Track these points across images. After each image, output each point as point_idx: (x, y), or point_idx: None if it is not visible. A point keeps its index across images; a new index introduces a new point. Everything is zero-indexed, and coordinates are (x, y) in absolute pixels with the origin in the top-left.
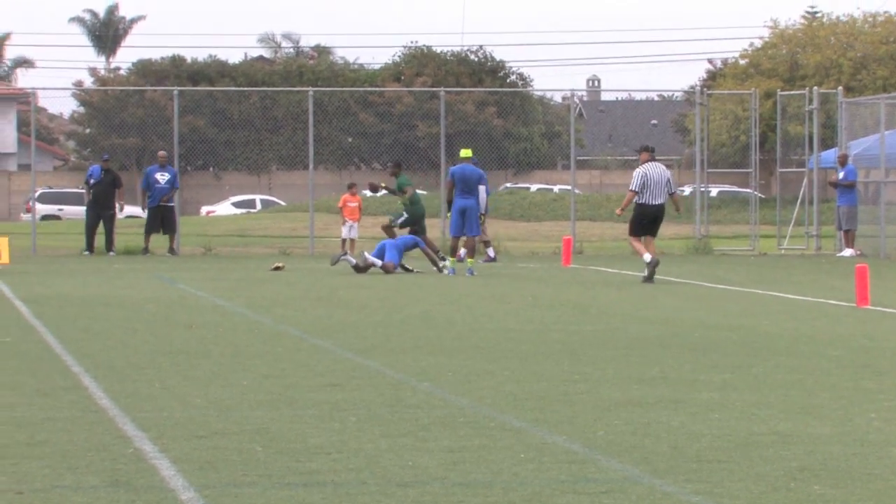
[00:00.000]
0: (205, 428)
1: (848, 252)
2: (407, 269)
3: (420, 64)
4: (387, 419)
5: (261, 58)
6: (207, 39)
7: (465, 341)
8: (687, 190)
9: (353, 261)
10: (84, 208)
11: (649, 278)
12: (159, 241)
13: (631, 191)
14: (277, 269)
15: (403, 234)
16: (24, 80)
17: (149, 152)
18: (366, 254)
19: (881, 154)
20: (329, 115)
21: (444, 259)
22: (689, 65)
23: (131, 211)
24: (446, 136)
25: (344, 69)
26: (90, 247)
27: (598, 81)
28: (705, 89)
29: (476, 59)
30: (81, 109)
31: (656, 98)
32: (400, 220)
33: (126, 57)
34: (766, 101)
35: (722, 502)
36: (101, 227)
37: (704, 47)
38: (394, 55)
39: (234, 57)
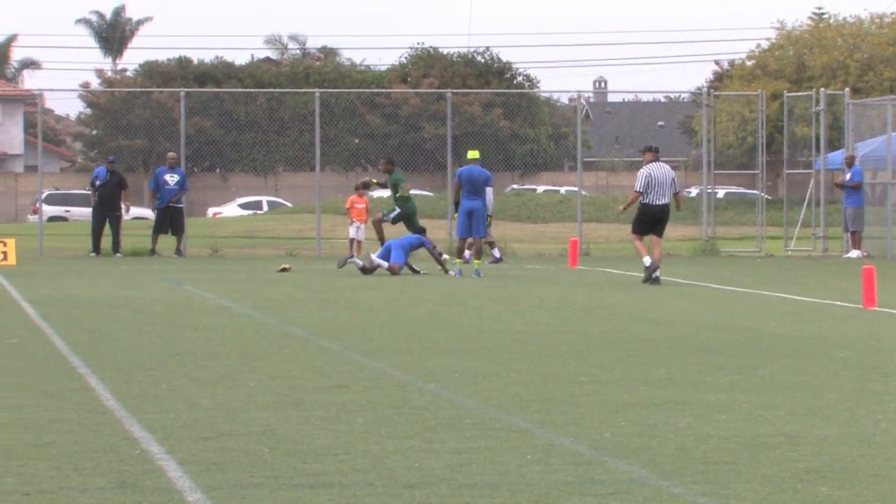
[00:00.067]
0: (212, 429)
1: (855, 253)
2: (414, 270)
3: (427, 65)
4: (393, 420)
5: (267, 59)
6: (214, 41)
7: (472, 343)
8: (694, 191)
9: (360, 263)
10: (91, 210)
11: (647, 280)
12: (166, 242)
13: (636, 192)
14: (284, 270)
15: (407, 234)
16: (30, 81)
17: (155, 154)
18: (372, 255)
19: (888, 155)
20: (336, 116)
21: (441, 254)
22: (696, 66)
23: (138, 212)
24: (453, 137)
25: (350, 70)
26: (97, 248)
27: (605, 83)
28: (712, 91)
29: (483, 60)
30: (88, 111)
31: (663, 99)
32: (392, 216)
33: (133, 58)
34: (772, 102)
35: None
36: (107, 229)
37: (711, 49)
38: (400, 57)
39: (240, 58)
